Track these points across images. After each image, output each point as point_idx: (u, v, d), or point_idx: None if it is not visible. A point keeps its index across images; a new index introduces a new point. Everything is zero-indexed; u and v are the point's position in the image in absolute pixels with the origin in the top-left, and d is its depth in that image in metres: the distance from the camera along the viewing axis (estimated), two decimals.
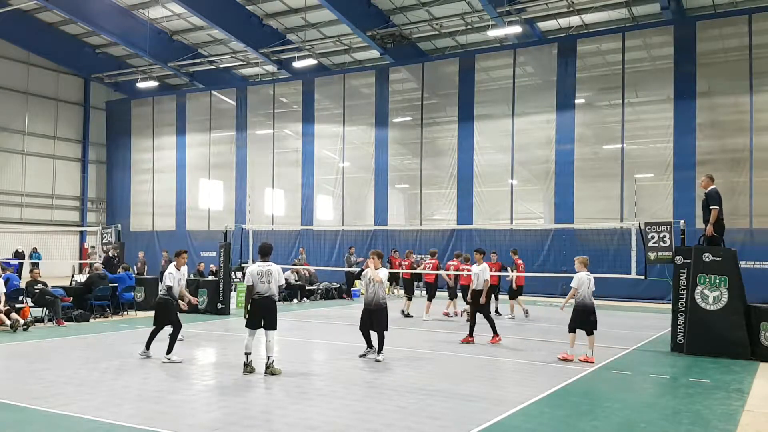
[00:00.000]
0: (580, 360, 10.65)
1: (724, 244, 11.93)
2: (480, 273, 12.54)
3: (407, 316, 17.02)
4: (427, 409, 7.42)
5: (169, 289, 10.42)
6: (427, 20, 26.47)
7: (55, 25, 31.93)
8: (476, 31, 26.74)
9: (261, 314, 9.37)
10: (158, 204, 35.99)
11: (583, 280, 10.95)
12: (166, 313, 10.32)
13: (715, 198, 11.68)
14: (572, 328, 10.92)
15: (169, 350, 10.14)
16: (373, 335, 10.65)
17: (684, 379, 9.59)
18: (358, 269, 21.90)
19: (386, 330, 10.54)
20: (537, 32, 26.65)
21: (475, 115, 27.32)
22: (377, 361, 10.27)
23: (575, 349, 10.86)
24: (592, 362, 10.52)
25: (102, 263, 18.88)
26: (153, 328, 10.44)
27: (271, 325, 9.39)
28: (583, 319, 10.85)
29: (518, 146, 26.39)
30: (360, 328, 10.79)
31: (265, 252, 9.65)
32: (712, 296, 11.29)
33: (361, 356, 10.60)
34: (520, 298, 17.69)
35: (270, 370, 9.21)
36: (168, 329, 10.34)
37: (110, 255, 20.03)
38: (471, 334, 12.60)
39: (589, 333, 10.84)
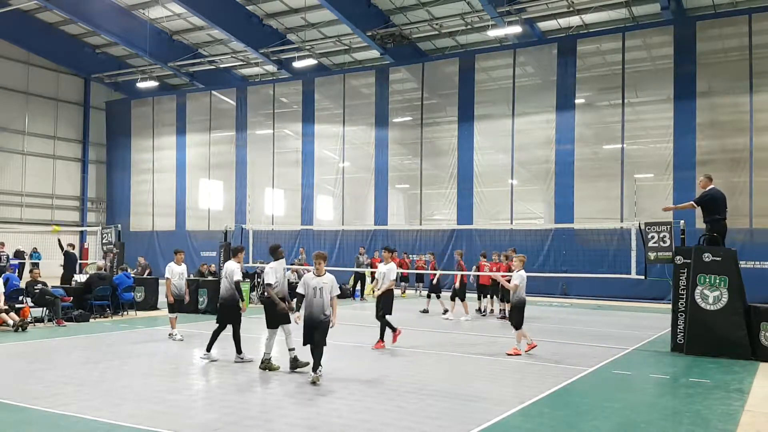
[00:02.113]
0: (508, 354, 11.12)
1: (725, 244, 11.94)
2: (387, 272, 11.90)
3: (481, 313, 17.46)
4: (427, 409, 7.42)
5: (238, 283, 10.34)
6: (427, 20, 26.47)
7: (55, 25, 31.94)
8: (476, 31, 26.74)
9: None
10: (158, 204, 36.01)
11: (524, 278, 11.38)
12: (233, 313, 10.29)
13: (710, 197, 11.69)
14: (520, 324, 11.30)
15: (239, 350, 10.26)
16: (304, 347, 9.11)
17: (684, 379, 9.59)
18: (367, 269, 22.01)
19: (325, 345, 8.95)
20: (537, 32, 26.64)
21: (475, 115, 27.32)
22: (314, 383, 8.58)
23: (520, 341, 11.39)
24: (521, 354, 11.10)
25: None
26: (216, 327, 10.40)
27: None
28: (522, 315, 11.31)
29: (518, 146, 26.40)
30: (306, 344, 9.05)
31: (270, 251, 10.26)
32: (712, 296, 11.29)
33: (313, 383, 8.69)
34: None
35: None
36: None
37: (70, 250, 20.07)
38: (382, 339, 11.92)
39: (519, 327, 11.32)
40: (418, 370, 9.93)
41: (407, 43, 28.11)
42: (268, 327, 9.83)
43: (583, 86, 25.47)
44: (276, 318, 9.75)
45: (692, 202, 11.96)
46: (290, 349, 9.59)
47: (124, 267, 17.46)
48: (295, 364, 9.51)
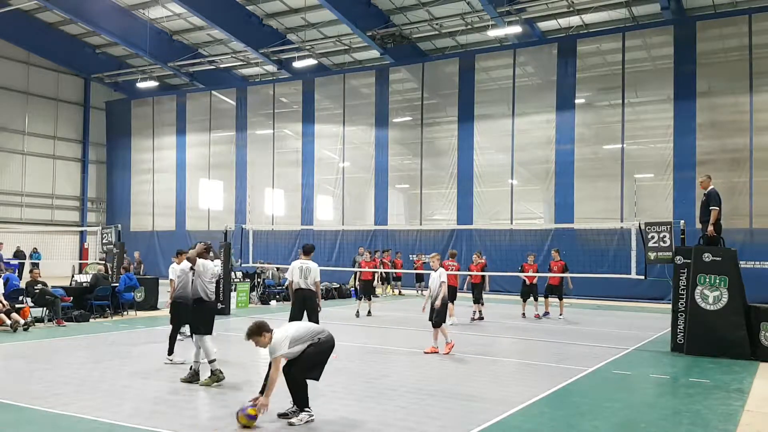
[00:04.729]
0: (446, 353, 11.08)
1: (724, 243, 11.94)
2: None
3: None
4: (427, 409, 7.42)
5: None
6: (427, 20, 26.47)
7: (55, 25, 31.94)
8: (476, 31, 26.74)
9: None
10: (158, 204, 36.01)
11: (438, 277, 11.35)
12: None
13: (716, 198, 11.71)
14: (441, 323, 11.28)
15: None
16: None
17: (684, 379, 9.59)
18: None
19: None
20: (537, 32, 26.65)
21: (475, 115, 27.31)
22: (303, 422, 6.74)
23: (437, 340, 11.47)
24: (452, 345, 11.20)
25: None
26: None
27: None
28: (444, 313, 11.33)
29: (518, 146, 26.39)
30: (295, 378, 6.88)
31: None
32: (712, 296, 11.29)
33: (283, 416, 6.88)
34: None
35: None
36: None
37: None
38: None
39: (439, 325, 11.28)
40: (419, 370, 9.93)
41: (407, 43, 28.10)
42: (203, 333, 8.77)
43: (583, 86, 25.46)
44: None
45: (714, 209, 11.72)
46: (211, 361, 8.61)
47: (126, 267, 17.46)
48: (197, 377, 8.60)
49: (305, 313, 10.60)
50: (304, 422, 6.69)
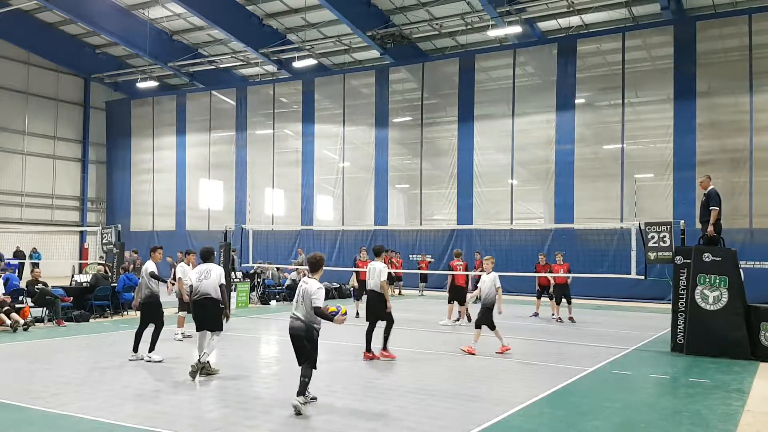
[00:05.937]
0: (499, 352, 11.27)
1: (724, 243, 11.94)
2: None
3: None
4: (427, 409, 7.42)
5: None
6: (427, 20, 26.47)
7: (55, 25, 31.94)
8: (476, 31, 26.73)
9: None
10: (158, 204, 36.02)
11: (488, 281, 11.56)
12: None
13: (716, 198, 11.72)
14: (489, 325, 11.40)
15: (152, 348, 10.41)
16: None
17: (684, 379, 9.59)
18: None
19: (315, 367, 7.39)
20: (537, 32, 26.64)
21: (475, 115, 27.32)
22: (299, 413, 7.06)
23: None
24: (474, 352, 11.20)
25: None
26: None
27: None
28: (491, 316, 11.43)
29: (518, 146, 26.39)
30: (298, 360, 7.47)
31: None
32: (712, 296, 11.29)
33: (298, 414, 7.06)
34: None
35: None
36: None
37: None
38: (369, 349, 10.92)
39: (494, 327, 11.44)
40: (419, 370, 9.94)
41: (407, 43, 28.10)
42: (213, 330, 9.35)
43: (583, 86, 25.46)
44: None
45: (714, 209, 11.70)
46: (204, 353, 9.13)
47: (125, 267, 17.45)
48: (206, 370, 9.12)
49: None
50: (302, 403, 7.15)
